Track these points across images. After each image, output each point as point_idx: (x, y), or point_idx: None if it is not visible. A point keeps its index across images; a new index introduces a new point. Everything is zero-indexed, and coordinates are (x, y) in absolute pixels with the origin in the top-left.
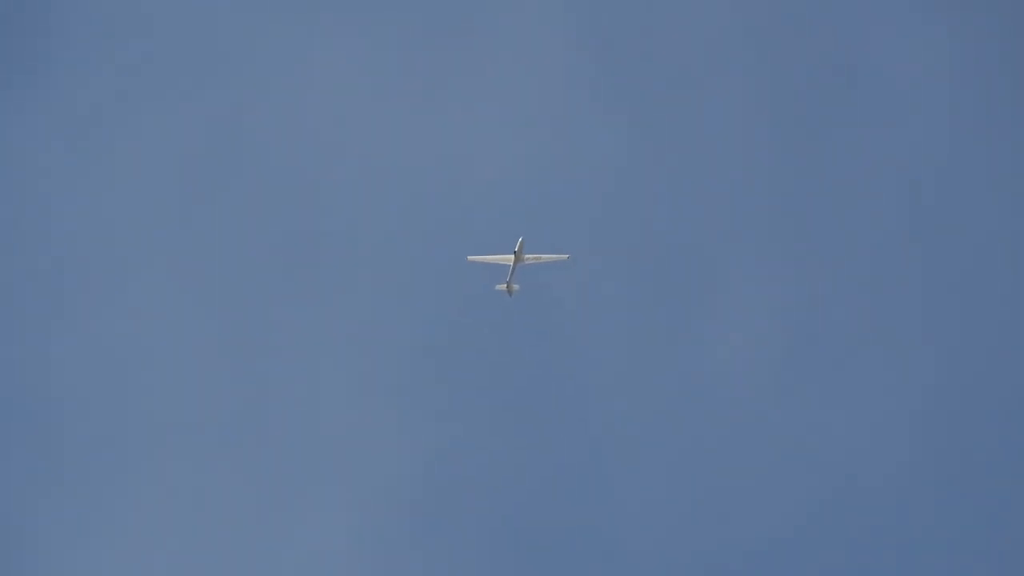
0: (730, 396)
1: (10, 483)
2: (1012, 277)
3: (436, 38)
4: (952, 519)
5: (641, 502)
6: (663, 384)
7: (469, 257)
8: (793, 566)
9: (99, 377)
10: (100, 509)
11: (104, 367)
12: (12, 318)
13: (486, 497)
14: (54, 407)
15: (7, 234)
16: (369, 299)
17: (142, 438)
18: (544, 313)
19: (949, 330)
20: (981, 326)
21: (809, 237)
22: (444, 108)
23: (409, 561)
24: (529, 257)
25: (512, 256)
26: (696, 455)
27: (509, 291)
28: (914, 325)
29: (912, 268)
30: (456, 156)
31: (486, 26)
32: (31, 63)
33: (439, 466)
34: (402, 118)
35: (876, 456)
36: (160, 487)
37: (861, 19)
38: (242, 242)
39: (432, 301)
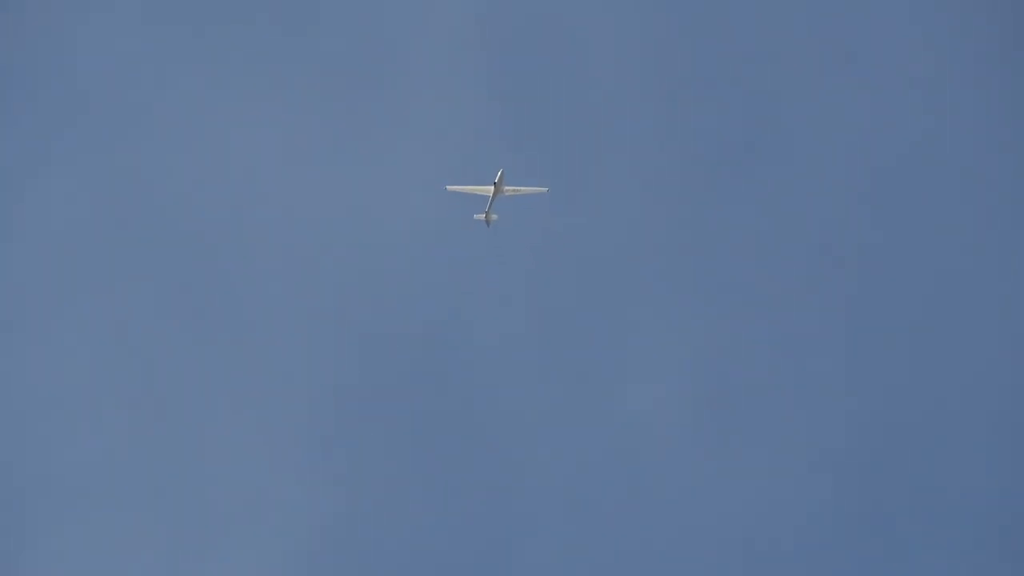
0: (643, 446)
1: None
2: (927, 325)
3: (344, 93)
4: (865, 572)
5: (553, 555)
6: (574, 435)
7: (448, 187)
8: None
9: None
10: None
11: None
12: None
13: (396, 554)
14: None
15: None
16: (272, 359)
17: (40, 498)
18: (453, 364)
19: (864, 380)
20: (896, 376)
21: (722, 285)
22: (352, 164)
23: None
24: (508, 189)
25: (492, 187)
26: (607, 506)
27: (487, 221)
28: (828, 374)
29: (827, 316)
30: (363, 213)
31: (395, 79)
32: None
33: (347, 529)
34: (308, 176)
35: (789, 506)
36: (57, 551)
37: (771, 82)
38: (144, 299)
39: (338, 360)
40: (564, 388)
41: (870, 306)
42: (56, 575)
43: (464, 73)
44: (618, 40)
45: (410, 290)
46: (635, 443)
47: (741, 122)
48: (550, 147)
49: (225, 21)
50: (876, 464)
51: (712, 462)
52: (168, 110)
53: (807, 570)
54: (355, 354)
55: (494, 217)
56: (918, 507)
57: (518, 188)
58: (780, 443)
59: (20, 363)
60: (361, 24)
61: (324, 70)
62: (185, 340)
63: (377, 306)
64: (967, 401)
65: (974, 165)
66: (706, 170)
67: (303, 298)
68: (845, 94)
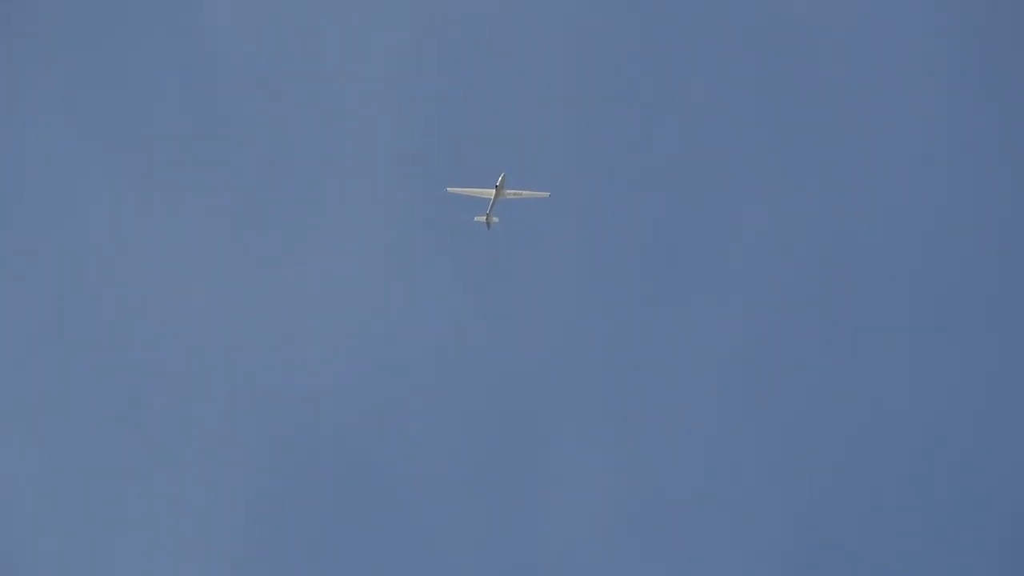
0: (566, 561)
1: None
2: (862, 449)
3: (267, 209)
4: None
5: None
6: (497, 551)
7: (449, 188)
8: None
9: None
10: None
11: None
12: None
13: None
14: None
15: None
16: (198, 478)
17: None
18: (375, 479)
19: (792, 501)
20: (827, 500)
21: (645, 401)
22: (275, 282)
23: None
24: (510, 192)
25: (493, 190)
26: None
27: (488, 223)
28: (752, 486)
29: (749, 427)
30: (286, 330)
31: (320, 198)
32: None
33: None
34: (232, 292)
35: None
36: None
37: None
38: (69, 421)
39: (262, 478)
40: (484, 503)
41: (802, 424)
42: None
43: (384, 189)
44: (544, 161)
45: (328, 404)
46: (555, 560)
47: (669, 232)
48: (472, 264)
49: (145, 134)
50: None
51: None
52: (84, 222)
53: None
54: (269, 467)
55: (495, 220)
56: None
57: (520, 191)
58: (703, 561)
59: None
60: (281, 141)
61: (243, 184)
62: (98, 452)
63: (294, 419)
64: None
65: (912, 277)
66: (636, 281)
67: (218, 416)
68: (769, 209)
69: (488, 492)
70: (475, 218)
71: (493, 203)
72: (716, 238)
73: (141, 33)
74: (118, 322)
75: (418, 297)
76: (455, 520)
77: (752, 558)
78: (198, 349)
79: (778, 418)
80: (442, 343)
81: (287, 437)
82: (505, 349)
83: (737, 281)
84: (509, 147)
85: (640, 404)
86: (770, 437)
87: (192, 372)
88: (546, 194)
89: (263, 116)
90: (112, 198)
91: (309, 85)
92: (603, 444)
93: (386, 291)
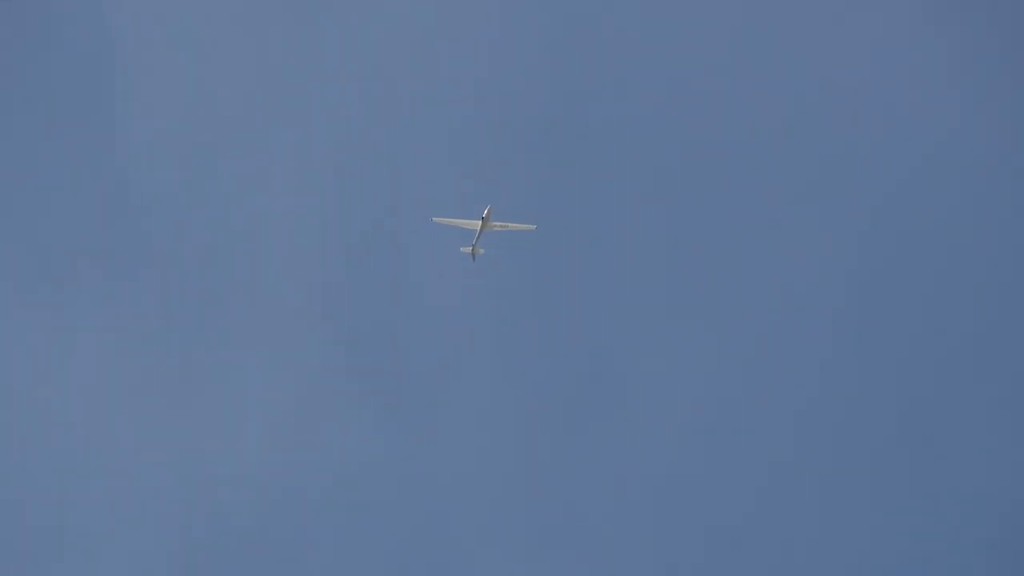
0: None
1: None
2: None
3: (179, 336)
4: None
5: None
6: None
7: (435, 218)
8: None
9: None
10: None
11: None
12: None
13: None
14: None
15: None
16: None
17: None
18: None
19: None
20: None
21: (554, 526)
22: (187, 410)
23: None
24: (496, 224)
25: (479, 221)
26: None
27: (473, 254)
28: None
29: (660, 558)
30: (199, 457)
31: (228, 325)
32: None
33: None
34: (145, 419)
35: None
36: None
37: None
38: None
39: None
40: None
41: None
42: None
43: (303, 326)
44: (456, 300)
45: (236, 528)
46: None
47: (577, 377)
48: (391, 399)
49: (60, 265)
50: None
51: None
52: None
53: None
54: None
55: (480, 251)
56: None
57: (506, 224)
58: None
59: None
60: (198, 269)
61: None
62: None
63: (203, 543)
64: None
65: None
66: (544, 424)
67: (129, 535)
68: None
69: None
70: (461, 248)
71: (479, 234)
72: (630, 366)
73: (54, 164)
74: (32, 444)
75: (332, 424)
76: None
77: None
78: (111, 471)
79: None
80: (353, 470)
81: (193, 563)
82: (415, 478)
83: (655, 415)
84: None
85: (549, 534)
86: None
87: (101, 498)
88: (532, 227)
89: (180, 245)
90: (26, 327)
91: (226, 210)
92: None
93: (299, 418)
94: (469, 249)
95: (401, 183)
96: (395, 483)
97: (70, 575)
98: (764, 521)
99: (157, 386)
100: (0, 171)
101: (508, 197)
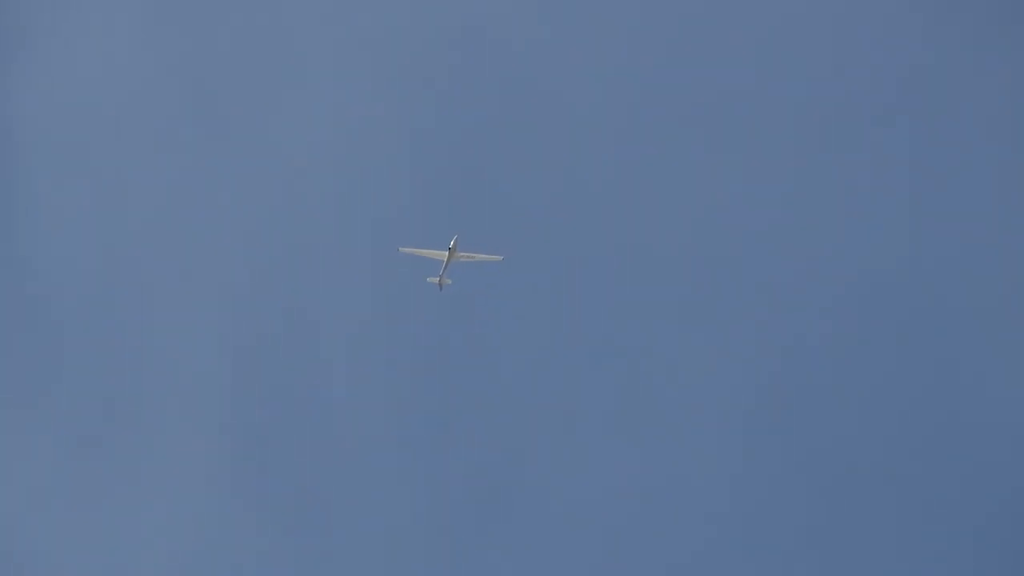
0: None
1: None
2: None
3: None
4: None
5: None
6: None
7: (401, 248)
8: None
9: None
10: None
11: None
12: None
13: None
14: None
15: None
16: None
17: None
18: None
19: None
20: None
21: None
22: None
23: None
24: (463, 254)
25: (446, 252)
26: None
27: (440, 284)
28: None
29: None
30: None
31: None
32: None
33: None
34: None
35: None
36: None
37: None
38: None
39: None
40: None
41: None
42: None
43: (206, 418)
44: (366, 381)
45: None
46: None
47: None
48: (297, 493)
49: None
50: None
51: None
52: None
53: None
54: None
55: (448, 281)
56: None
57: (472, 254)
58: None
59: None
60: (104, 390)
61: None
62: None
63: None
64: None
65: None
66: (453, 520)
67: None
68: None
69: None
70: (427, 279)
71: (446, 265)
72: (545, 468)
73: None
74: None
75: (227, 552)
76: None
77: None
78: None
79: None
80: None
81: None
82: None
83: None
84: None
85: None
86: None
87: None
88: (499, 258)
89: (86, 365)
90: None
91: (133, 330)
92: None
93: (193, 544)
94: (436, 279)
95: (315, 277)
96: None
97: None
98: None
99: (45, 503)
100: None
101: (471, 229)
